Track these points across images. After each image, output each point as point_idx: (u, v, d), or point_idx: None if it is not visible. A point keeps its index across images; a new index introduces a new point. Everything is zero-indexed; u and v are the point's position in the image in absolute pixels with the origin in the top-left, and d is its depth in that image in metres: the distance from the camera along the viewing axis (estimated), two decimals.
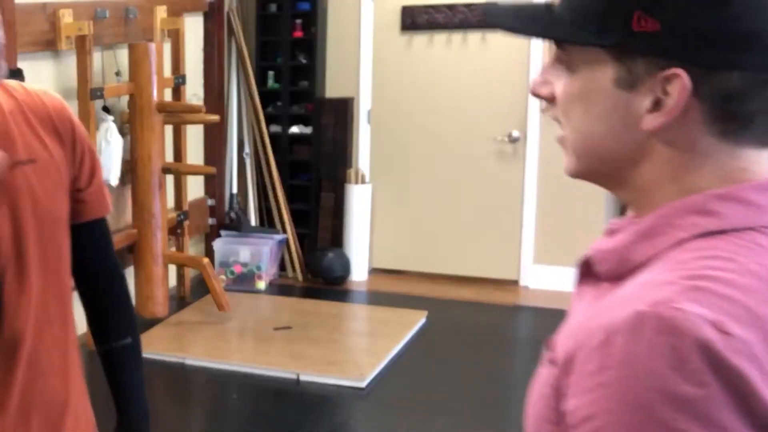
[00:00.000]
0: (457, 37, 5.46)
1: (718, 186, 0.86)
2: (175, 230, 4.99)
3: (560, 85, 0.92)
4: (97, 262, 1.61)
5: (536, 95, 0.96)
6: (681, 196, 0.87)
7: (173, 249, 4.97)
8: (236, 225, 5.69)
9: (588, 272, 0.94)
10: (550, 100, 0.94)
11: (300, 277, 5.69)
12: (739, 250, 0.82)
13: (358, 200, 5.65)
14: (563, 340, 0.89)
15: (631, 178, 0.90)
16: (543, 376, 0.92)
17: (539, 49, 5.18)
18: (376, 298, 5.39)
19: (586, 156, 0.93)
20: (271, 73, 5.81)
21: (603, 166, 0.92)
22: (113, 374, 1.71)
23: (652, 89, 0.85)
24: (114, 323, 1.66)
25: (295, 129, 5.78)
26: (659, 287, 0.80)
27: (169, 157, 4.83)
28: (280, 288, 5.53)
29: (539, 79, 0.95)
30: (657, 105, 0.85)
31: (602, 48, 0.86)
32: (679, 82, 0.83)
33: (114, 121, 4.45)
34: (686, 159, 0.87)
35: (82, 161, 1.50)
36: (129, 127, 4.59)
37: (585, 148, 0.92)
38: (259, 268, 5.39)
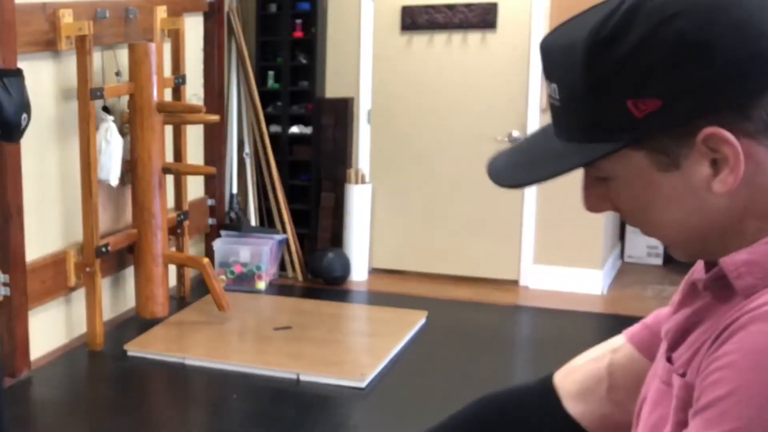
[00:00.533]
0: (457, 37, 5.46)
1: None
2: (175, 230, 4.99)
3: (615, 197, 0.88)
4: None
5: (599, 212, 0.92)
6: None
7: (173, 249, 4.97)
8: (236, 225, 5.69)
9: (703, 291, 0.89)
10: (617, 210, 0.90)
11: (300, 277, 5.69)
12: None
13: (358, 200, 5.65)
14: (685, 351, 0.87)
15: (743, 241, 0.85)
16: (661, 393, 0.90)
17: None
18: (376, 298, 5.39)
19: (685, 243, 0.89)
20: (271, 73, 5.81)
21: (706, 245, 0.87)
22: None
23: (699, 156, 0.82)
24: None
25: (295, 129, 5.78)
26: None
27: (169, 157, 4.83)
28: (280, 288, 5.53)
29: (589, 200, 0.91)
30: (715, 165, 0.81)
31: (624, 148, 0.83)
32: (720, 138, 0.80)
33: (114, 121, 4.45)
34: None
35: None
36: (129, 127, 4.59)
37: (677, 238, 0.89)
38: (259, 268, 5.39)
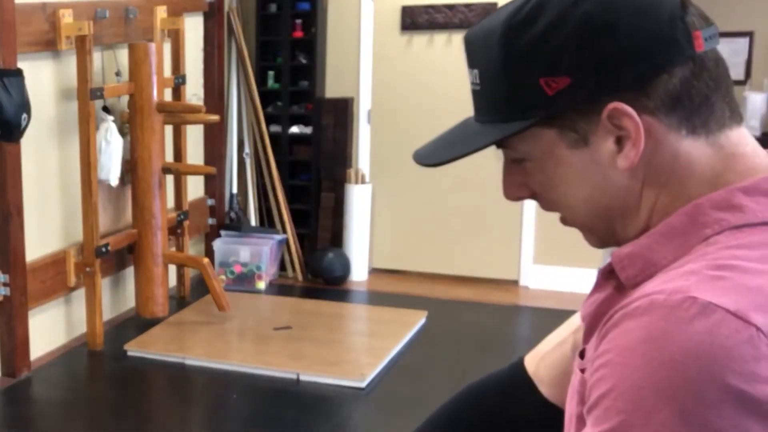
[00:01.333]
0: (457, 37, 5.46)
1: (714, 182, 0.86)
2: (175, 230, 4.99)
3: (530, 179, 0.94)
4: None
5: (518, 200, 0.97)
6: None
7: (173, 249, 4.97)
8: (236, 225, 5.69)
9: (608, 280, 0.93)
10: (533, 196, 0.96)
11: (300, 277, 5.69)
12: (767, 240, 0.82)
13: (358, 200, 5.65)
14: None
15: (639, 221, 0.90)
16: (573, 384, 0.94)
17: None
18: (376, 298, 5.39)
19: (592, 224, 0.93)
20: (271, 73, 5.81)
21: (612, 226, 0.92)
22: None
23: (605, 133, 0.87)
24: None
25: (295, 129, 5.78)
26: (680, 276, 0.80)
27: (169, 157, 4.83)
28: (280, 288, 5.53)
29: (509, 187, 0.97)
30: (620, 142, 0.86)
31: (537, 126, 0.88)
32: (623, 112, 0.85)
33: (114, 121, 4.45)
34: (676, 172, 0.87)
35: None
36: (129, 127, 4.59)
37: (584, 217, 0.93)
38: (259, 268, 5.39)
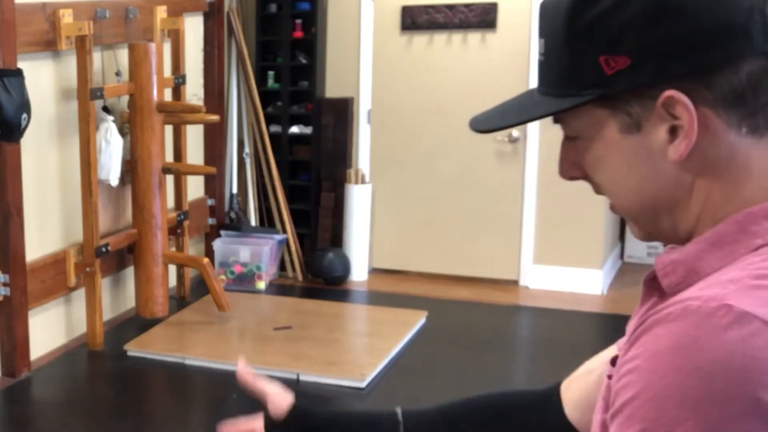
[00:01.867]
0: (457, 37, 5.46)
1: None
2: (175, 230, 4.99)
3: (582, 158, 0.91)
4: None
5: (571, 179, 0.94)
6: (743, 209, 0.83)
7: (173, 249, 4.97)
8: (236, 225, 5.69)
9: (652, 289, 0.91)
10: (585, 178, 0.93)
11: (300, 277, 5.69)
12: None
13: (358, 200, 5.65)
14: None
15: (689, 218, 0.86)
16: (601, 394, 0.93)
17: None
18: (376, 298, 5.39)
19: (638, 215, 0.90)
20: (271, 73, 5.81)
21: (658, 219, 0.88)
22: None
23: (659, 121, 0.83)
24: None
25: (295, 129, 5.78)
26: (719, 284, 0.77)
27: (169, 157, 4.83)
28: (280, 288, 5.53)
29: (563, 165, 0.94)
30: (674, 132, 0.83)
31: (591, 104, 0.86)
32: (678, 101, 0.81)
33: (114, 121, 4.45)
34: (731, 171, 0.83)
35: None
36: (129, 127, 4.59)
37: (630, 207, 0.90)
38: (259, 268, 5.39)
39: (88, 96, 4.18)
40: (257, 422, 1.34)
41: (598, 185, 0.92)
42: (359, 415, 1.29)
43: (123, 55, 4.60)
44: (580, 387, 1.14)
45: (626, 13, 0.82)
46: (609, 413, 0.80)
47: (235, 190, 5.84)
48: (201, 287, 5.02)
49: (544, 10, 0.92)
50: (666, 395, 0.73)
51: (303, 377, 4.06)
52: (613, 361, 0.91)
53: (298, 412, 1.25)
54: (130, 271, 4.81)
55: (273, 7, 5.72)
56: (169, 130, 4.81)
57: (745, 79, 0.81)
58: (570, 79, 0.87)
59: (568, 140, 0.92)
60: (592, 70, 0.84)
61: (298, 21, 5.67)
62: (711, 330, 0.72)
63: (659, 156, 0.84)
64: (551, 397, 1.17)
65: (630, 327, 0.93)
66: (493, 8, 5.36)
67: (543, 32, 0.91)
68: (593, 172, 0.91)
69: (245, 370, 1.30)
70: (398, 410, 1.21)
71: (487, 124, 0.94)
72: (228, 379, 4.17)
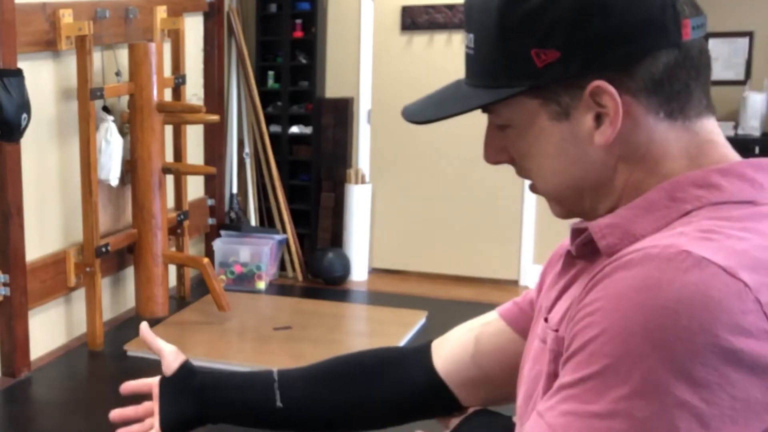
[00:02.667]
0: (457, 37, 5.46)
1: (689, 164, 0.89)
2: (175, 230, 4.99)
3: (511, 145, 0.97)
4: None
5: (497, 164, 1.01)
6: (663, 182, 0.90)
7: (173, 249, 4.97)
8: (236, 225, 5.69)
9: (583, 253, 0.96)
10: (511, 162, 0.99)
11: (300, 277, 5.69)
12: (747, 215, 0.85)
13: (358, 200, 5.65)
14: (559, 310, 0.95)
15: (611, 195, 0.93)
16: (538, 350, 0.98)
17: None
18: (376, 298, 5.39)
19: (562, 195, 0.96)
20: (271, 73, 5.81)
21: (582, 198, 0.95)
22: None
23: (586, 109, 0.89)
24: None
25: (295, 129, 5.78)
26: (671, 236, 0.83)
27: (169, 157, 4.83)
28: (280, 288, 5.53)
29: (489, 150, 1.00)
30: (599, 119, 0.89)
31: (523, 95, 0.91)
32: (605, 91, 0.87)
33: (114, 121, 4.45)
34: (651, 152, 0.90)
35: None
36: (129, 127, 4.59)
37: (556, 188, 0.96)
38: (259, 268, 5.39)
39: (88, 96, 4.18)
40: (155, 381, 1.52)
41: (524, 169, 0.98)
42: (240, 375, 1.38)
43: (123, 55, 4.60)
44: (454, 343, 1.25)
45: (556, 9, 0.87)
46: (564, 357, 0.84)
47: (235, 190, 5.84)
48: (201, 287, 5.02)
49: (470, 6, 0.96)
50: (631, 332, 0.77)
51: None
52: (546, 319, 0.98)
53: (185, 371, 1.44)
54: (130, 271, 4.81)
55: (273, 7, 5.72)
56: (169, 130, 4.81)
57: (662, 68, 0.87)
58: (502, 70, 0.91)
59: (497, 128, 0.98)
60: (524, 62, 0.89)
61: (298, 21, 5.68)
62: (673, 272, 0.78)
63: (586, 141, 0.90)
64: (420, 351, 1.28)
65: (550, 298, 1.00)
66: None
67: (472, 28, 0.95)
68: (522, 157, 0.97)
69: (147, 330, 1.48)
70: (274, 369, 1.31)
71: (424, 115, 0.98)
72: None
